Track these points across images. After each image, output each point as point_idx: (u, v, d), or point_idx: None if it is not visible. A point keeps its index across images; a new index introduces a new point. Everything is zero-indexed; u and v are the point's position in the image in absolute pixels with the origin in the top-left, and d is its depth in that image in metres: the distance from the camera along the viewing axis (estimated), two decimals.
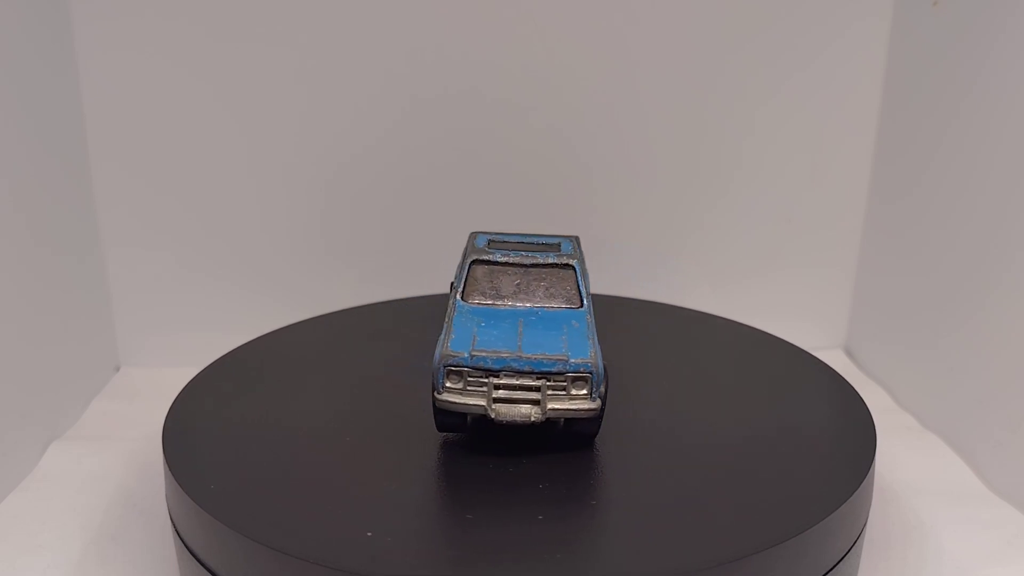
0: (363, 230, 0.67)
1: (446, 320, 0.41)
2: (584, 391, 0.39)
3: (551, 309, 0.42)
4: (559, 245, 0.45)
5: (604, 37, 0.64)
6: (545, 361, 0.38)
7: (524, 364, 0.38)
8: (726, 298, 0.69)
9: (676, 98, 0.66)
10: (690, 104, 0.66)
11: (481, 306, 0.42)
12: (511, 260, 0.43)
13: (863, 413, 0.45)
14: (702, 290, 0.70)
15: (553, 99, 0.65)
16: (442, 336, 0.40)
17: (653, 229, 0.69)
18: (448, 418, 0.40)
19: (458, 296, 0.42)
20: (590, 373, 0.38)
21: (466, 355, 0.38)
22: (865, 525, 0.40)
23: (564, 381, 0.38)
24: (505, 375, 0.38)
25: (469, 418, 0.40)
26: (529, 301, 0.42)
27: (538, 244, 0.45)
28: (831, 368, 0.50)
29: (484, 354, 0.38)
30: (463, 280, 0.42)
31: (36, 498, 0.50)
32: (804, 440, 0.42)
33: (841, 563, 0.37)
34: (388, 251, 0.67)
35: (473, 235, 0.49)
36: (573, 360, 0.38)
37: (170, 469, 0.39)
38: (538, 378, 0.38)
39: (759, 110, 0.66)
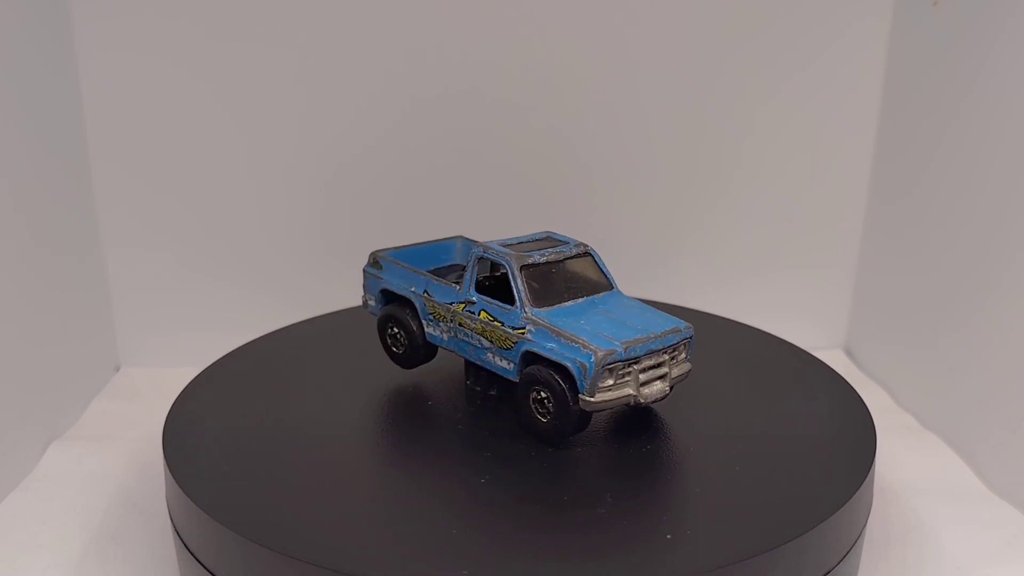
0: (363, 230, 0.67)
1: (543, 330, 0.40)
2: (684, 354, 0.42)
3: (600, 295, 0.43)
4: (549, 236, 0.46)
5: (604, 37, 0.64)
6: (671, 335, 0.41)
7: (658, 343, 0.40)
8: (726, 298, 0.69)
9: (676, 98, 0.66)
10: (690, 104, 0.66)
11: (556, 307, 0.42)
12: (549, 259, 0.43)
13: (863, 413, 0.45)
14: (702, 290, 0.70)
15: (553, 99, 0.65)
16: (554, 346, 0.39)
17: (653, 229, 0.69)
18: (581, 421, 0.40)
19: (529, 306, 0.41)
20: (691, 337, 0.42)
21: (619, 350, 0.39)
22: (865, 525, 0.40)
23: (675, 350, 0.41)
24: (645, 359, 0.40)
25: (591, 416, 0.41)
26: (580, 293, 0.43)
27: (536, 240, 0.45)
28: (831, 368, 0.50)
29: (632, 343, 0.39)
30: (521, 287, 0.41)
31: (36, 498, 0.50)
32: (804, 440, 0.42)
33: (841, 563, 0.37)
34: None
35: (377, 253, 0.48)
36: (683, 329, 0.41)
37: (170, 469, 0.39)
38: (664, 353, 0.41)
39: (759, 110, 0.66)
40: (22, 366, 0.53)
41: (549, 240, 0.45)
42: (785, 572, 0.34)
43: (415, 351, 0.46)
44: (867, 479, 0.39)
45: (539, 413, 0.41)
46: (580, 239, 0.45)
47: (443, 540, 0.34)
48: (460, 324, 0.43)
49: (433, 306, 0.45)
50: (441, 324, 0.44)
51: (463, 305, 0.43)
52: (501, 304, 0.42)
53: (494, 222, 0.61)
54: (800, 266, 0.70)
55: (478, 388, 0.46)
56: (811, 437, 0.42)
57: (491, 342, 0.42)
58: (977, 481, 0.52)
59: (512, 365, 0.41)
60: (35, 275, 0.56)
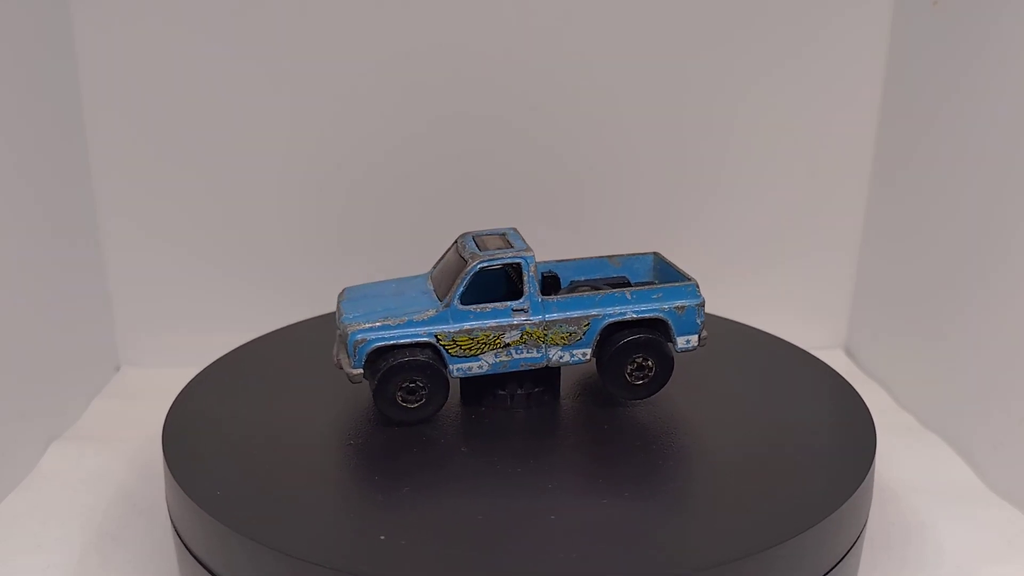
0: (363, 229, 0.67)
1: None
2: None
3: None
4: (473, 235, 0.45)
5: (606, 37, 0.64)
6: None
7: None
8: (725, 298, 0.69)
9: (675, 95, 0.66)
10: (689, 101, 0.66)
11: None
12: None
13: (863, 413, 0.45)
14: (701, 289, 0.70)
15: (556, 98, 0.65)
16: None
17: (652, 229, 0.69)
18: None
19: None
20: None
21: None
22: (865, 525, 0.40)
23: None
24: None
25: None
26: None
27: (479, 241, 0.44)
28: (831, 368, 0.50)
29: None
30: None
31: (36, 498, 0.50)
32: (804, 440, 0.42)
33: (841, 563, 0.37)
34: (388, 251, 0.67)
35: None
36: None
37: (170, 469, 0.39)
38: None
39: (759, 108, 0.66)
40: (22, 366, 0.53)
41: (481, 239, 0.44)
42: (785, 572, 0.34)
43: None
44: (867, 479, 0.39)
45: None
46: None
47: (444, 539, 0.34)
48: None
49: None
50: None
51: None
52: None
53: (495, 221, 0.61)
54: (800, 266, 0.70)
55: (520, 391, 0.43)
56: (811, 437, 0.42)
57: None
58: (977, 481, 0.52)
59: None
60: (35, 275, 0.56)
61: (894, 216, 0.65)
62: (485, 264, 0.41)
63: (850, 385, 0.48)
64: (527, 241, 0.44)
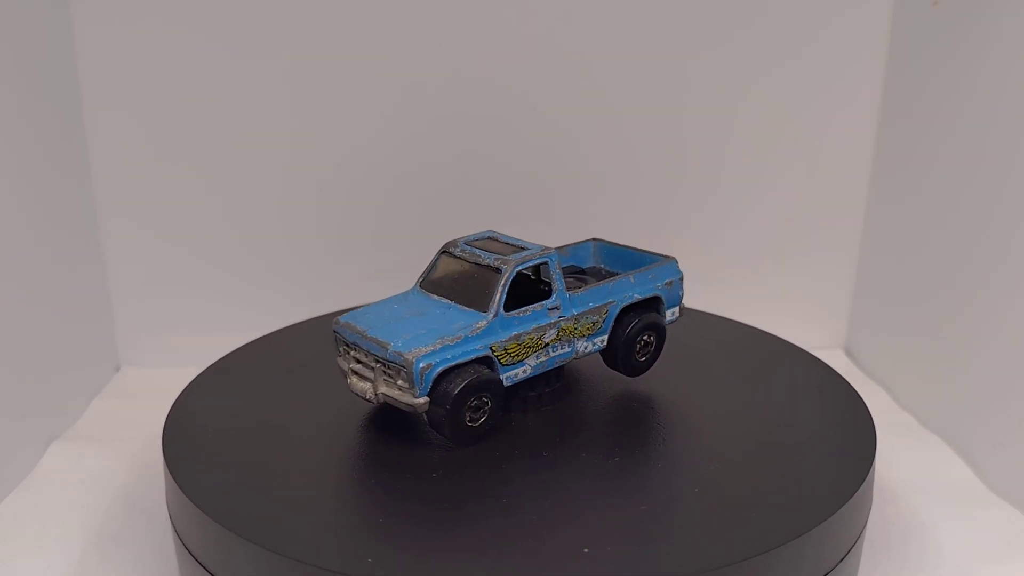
0: (363, 230, 0.67)
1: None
2: None
3: None
4: (455, 241, 0.44)
5: (606, 38, 0.64)
6: None
7: None
8: (726, 298, 0.69)
9: (676, 96, 0.66)
10: (691, 103, 0.66)
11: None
12: None
13: (863, 413, 0.45)
14: (701, 288, 0.70)
15: (556, 98, 0.65)
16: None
17: (652, 229, 0.69)
18: None
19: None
20: None
21: None
22: (865, 525, 0.40)
23: None
24: None
25: None
26: None
27: (479, 243, 0.44)
28: (831, 368, 0.50)
29: None
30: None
31: (36, 498, 0.50)
32: (804, 440, 0.42)
33: (841, 563, 0.37)
34: (388, 251, 0.67)
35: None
36: None
37: (170, 469, 0.39)
38: None
39: (760, 109, 0.66)
40: (22, 366, 0.53)
41: (478, 243, 0.43)
42: (785, 572, 0.34)
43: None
44: (867, 479, 0.39)
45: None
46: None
47: (443, 541, 0.34)
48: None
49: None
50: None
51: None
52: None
53: (495, 221, 0.61)
54: (800, 266, 0.70)
55: (548, 389, 0.44)
56: (811, 437, 0.42)
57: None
58: (977, 481, 0.52)
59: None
60: (35, 275, 0.56)
61: (894, 216, 0.65)
62: (520, 267, 0.41)
63: (850, 385, 0.48)
64: (519, 241, 0.44)
